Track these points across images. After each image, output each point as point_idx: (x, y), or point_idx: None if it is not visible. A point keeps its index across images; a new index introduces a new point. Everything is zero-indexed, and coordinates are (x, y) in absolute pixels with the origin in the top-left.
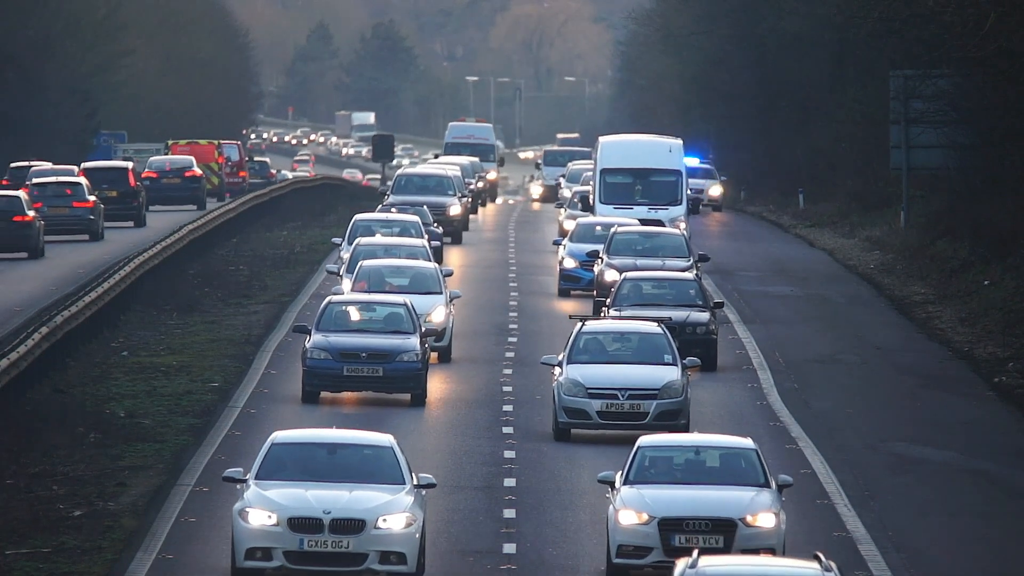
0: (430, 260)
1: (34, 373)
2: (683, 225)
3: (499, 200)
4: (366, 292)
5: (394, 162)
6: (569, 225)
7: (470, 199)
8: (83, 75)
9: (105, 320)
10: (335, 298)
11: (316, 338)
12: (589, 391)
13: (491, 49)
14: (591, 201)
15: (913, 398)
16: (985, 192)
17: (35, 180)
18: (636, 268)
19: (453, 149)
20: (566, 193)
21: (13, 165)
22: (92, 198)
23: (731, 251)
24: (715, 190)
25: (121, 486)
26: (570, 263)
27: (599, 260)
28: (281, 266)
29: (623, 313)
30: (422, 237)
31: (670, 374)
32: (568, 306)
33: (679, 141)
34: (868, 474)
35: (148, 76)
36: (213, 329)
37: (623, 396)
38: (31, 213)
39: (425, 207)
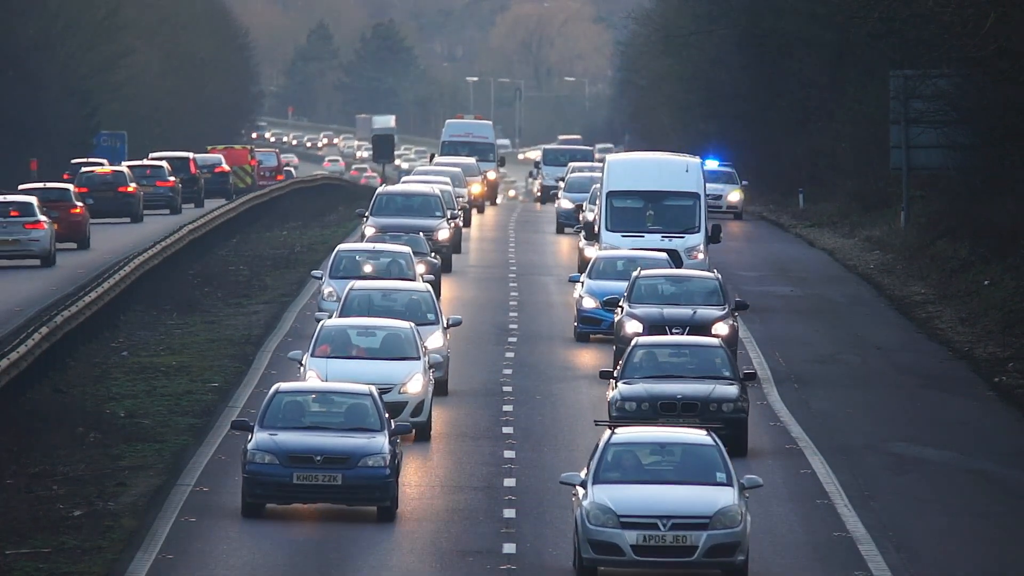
0: (434, 307)
1: (34, 373)
2: (701, 256)
3: (499, 199)
4: (328, 357)
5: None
6: (601, 255)
7: (460, 217)
8: (83, 75)
9: (105, 320)
10: (284, 386)
11: (260, 437)
12: (622, 520)
13: (491, 49)
14: (596, 228)
15: (913, 398)
16: (985, 192)
17: (125, 163)
18: (662, 318)
19: (450, 148)
20: (565, 204)
21: (74, 162)
22: (173, 179)
23: (731, 251)
24: (734, 196)
25: (121, 486)
26: (589, 303)
27: (619, 308)
28: (281, 266)
29: (633, 386)
30: (413, 270)
31: (724, 497)
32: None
33: (697, 160)
34: (868, 474)
35: (148, 76)
36: (213, 329)
37: (665, 526)
38: (133, 186)
39: (421, 234)
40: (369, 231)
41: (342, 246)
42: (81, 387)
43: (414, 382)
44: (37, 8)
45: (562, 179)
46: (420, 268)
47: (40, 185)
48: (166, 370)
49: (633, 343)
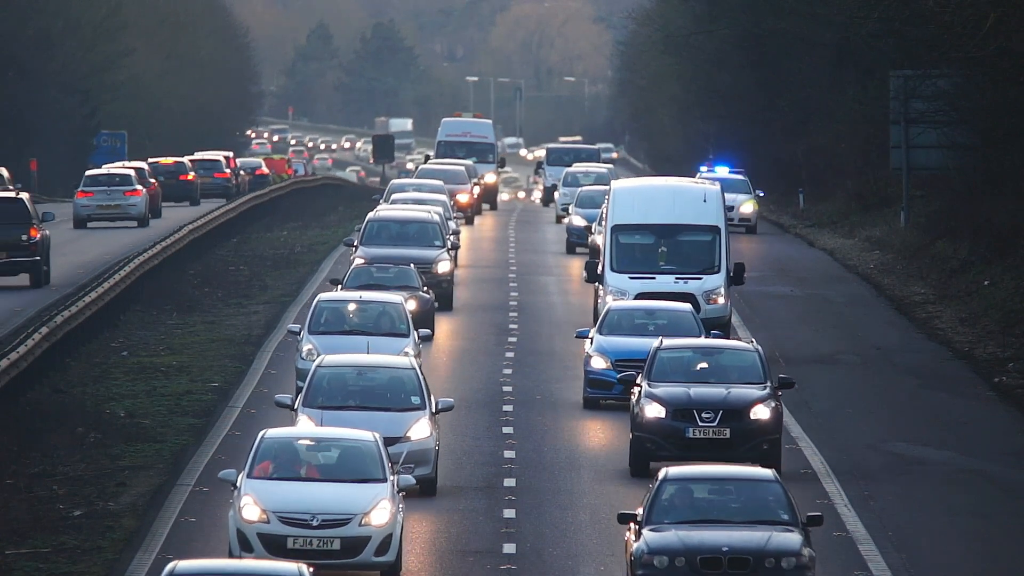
0: (420, 388)
1: (34, 373)
2: (722, 300)
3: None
4: (269, 478)
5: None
6: (614, 306)
7: (459, 240)
8: (83, 75)
9: (105, 320)
10: (182, 566)
11: None
12: None
13: (491, 49)
14: (600, 268)
15: (913, 398)
16: (985, 192)
17: (188, 157)
18: (689, 400)
19: (447, 149)
20: (577, 220)
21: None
22: (228, 171)
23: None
24: (747, 207)
25: (121, 486)
26: (599, 363)
27: (636, 387)
28: (281, 266)
29: (664, 535)
30: (407, 323)
31: None
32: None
33: (716, 187)
34: (868, 474)
35: (148, 76)
36: (213, 329)
37: None
38: (192, 174)
39: (412, 266)
40: (359, 262)
41: (323, 296)
42: (81, 387)
43: (379, 511)
44: (37, 8)
45: (556, 182)
46: (411, 305)
47: (121, 164)
48: (166, 370)
49: (662, 476)
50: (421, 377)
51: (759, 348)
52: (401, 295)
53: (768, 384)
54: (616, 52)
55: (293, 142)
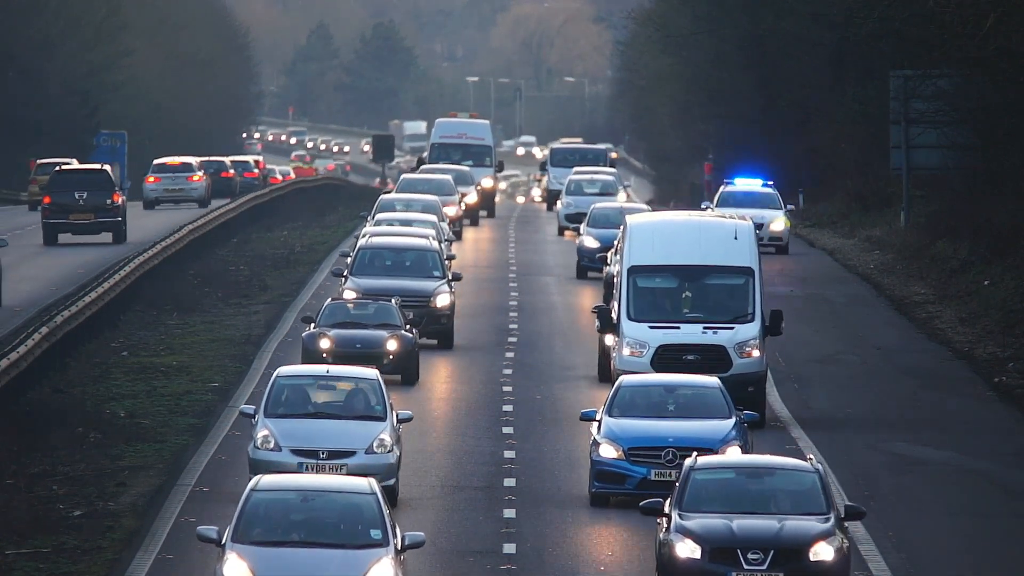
0: (380, 516)
1: (34, 373)
2: (757, 352)
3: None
4: None
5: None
6: (626, 381)
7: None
8: (83, 75)
9: (105, 320)
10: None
11: None
12: None
13: (491, 49)
14: (614, 315)
15: (913, 398)
16: (985, 192)
17: (231, 158)
18: (732, 536)
19: (441, 151)
20: (589, 242)
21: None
22: (256, 171)
23: None
24: (778, 224)
25: (121, 486)
26: (609, 452)
27: (663, 517)
28: (281, 266)
29: None
30: (384, 403)
31: None
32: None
33: (748, 223)
34: (868, 474)
35: (148, 76)
36: (213, 329)
37: None
38: (232, 171)
39: (393, 301)
40: (349, 294)
41: (283, 370)
42: (81, 387)
43: None
44: (37, 8)
45: (560, 185)
46: (392, 345)
47: (177, 157)
48: (166, 370)
49: None
50: (383, 504)
51: (819, 466)
52: (381, 333)
53: (831, 515)
54: (616, 52)
55: (309, 145)
